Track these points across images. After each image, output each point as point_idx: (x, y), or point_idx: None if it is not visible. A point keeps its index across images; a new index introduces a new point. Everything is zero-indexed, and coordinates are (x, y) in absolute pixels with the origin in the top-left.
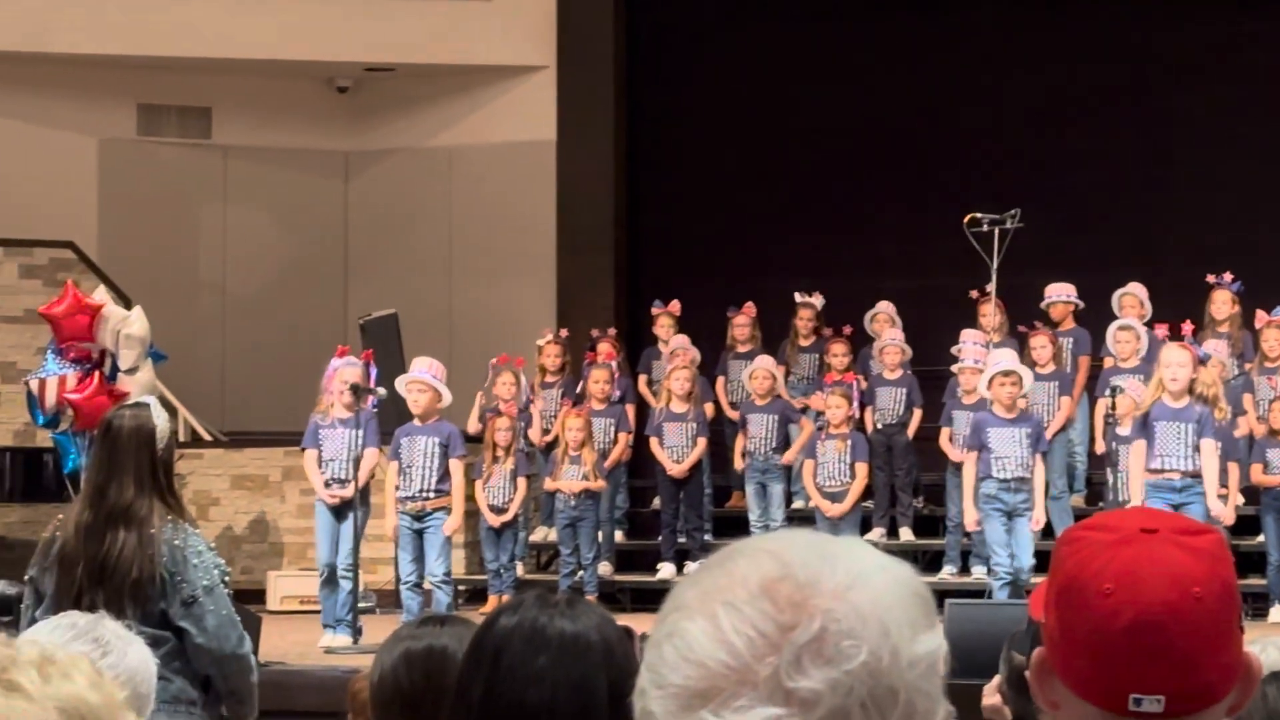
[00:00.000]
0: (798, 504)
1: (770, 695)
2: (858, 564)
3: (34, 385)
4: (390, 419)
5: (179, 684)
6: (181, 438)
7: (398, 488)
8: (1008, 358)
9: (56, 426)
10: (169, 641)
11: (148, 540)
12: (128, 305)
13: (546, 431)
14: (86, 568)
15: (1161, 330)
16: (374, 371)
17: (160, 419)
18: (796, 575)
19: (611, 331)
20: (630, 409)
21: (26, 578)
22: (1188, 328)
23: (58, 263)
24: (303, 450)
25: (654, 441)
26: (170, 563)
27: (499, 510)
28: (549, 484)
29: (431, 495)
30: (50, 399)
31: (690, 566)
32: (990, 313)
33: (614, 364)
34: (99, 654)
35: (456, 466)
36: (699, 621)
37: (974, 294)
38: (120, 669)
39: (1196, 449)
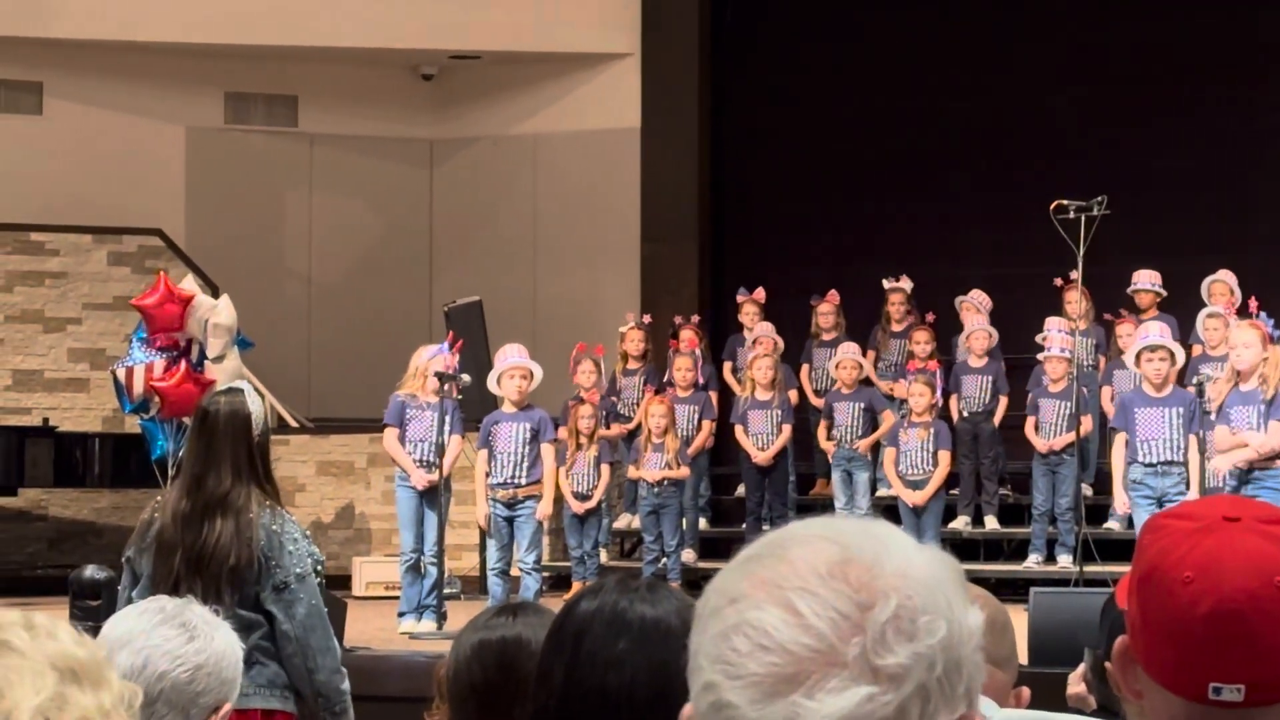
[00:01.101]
0: (881, 491)
1: (860, 674)
2: (901, 543)
3: (120, 373)
4: (474, 406)
5: (274, 668)
6: (271, 424)
7: (488, 475)
8: (1156, 331)
9: (144, 413)
10: (263, 626)
11: (245, 526)
12: (214, 293)
13: (629, 419)
14: (184, 557)
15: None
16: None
17: (254, 404)
18: (859, 557)
19: (695, 318)
20: (714, 396)
21: (124, 558)
22: (1254, 304)
23: (146, 250)
24: (385, 427)
25: (738, 429)
26: (267, 547)
27: (583, 497)
28: (632, 471)
29: (523, 482)
30: (137, 386)
31: (738, 554)
32: (1075, 300)
33: (697, 351)
34: (185, 639)
35: (548, 451)
36: (772, 610)
37: (1059, 282)
38: (207, 654)
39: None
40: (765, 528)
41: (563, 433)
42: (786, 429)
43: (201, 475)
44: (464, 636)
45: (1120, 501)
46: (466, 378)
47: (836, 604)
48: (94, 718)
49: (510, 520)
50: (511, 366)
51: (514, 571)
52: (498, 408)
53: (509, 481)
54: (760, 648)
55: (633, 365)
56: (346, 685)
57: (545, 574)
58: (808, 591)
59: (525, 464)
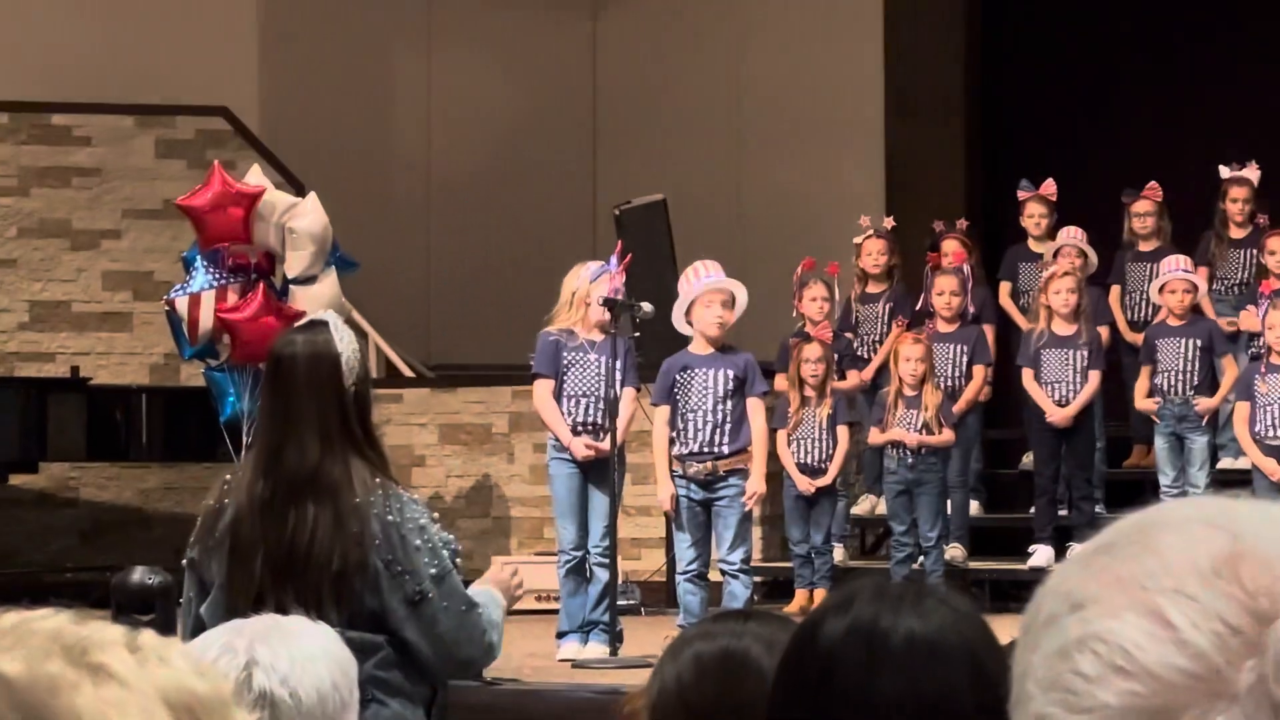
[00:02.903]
0: (1225, 462)
1: (1257, 710)
2: None
3: (180, 304)
4: (656, 345)
5: (395, 707)
6: (375, 374)
7: (673, 442)
8: None
9: (210, 359)
10: (381, 649)
11: (349, 514)
12: (299, 192)
13: (866, 361)
14: (268, 559)
15: None
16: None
17: (346, 342)
18: (1256, 550)
19: (961, 224)
20: (989, 331)
21: (185, 559)
22: None
23: (207, 136)
24: (535, 377)
25: (1027, 375)
26: (385, 547)
27: (811, 471)
28: (876, 436)
29: (724, 452)
30: (204, 321)
31: (1075, 549)
32: None
33: (965, 268)
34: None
35: (757, 408)
36: (1132, 619)
37: None
38: (299, 691)
39: None
40: (1062, 513)
41: (780, 383)
42: (1095, 377)
43: (278, 445)
44: (676, 649)
45: None
46: (647, 306)
47: (1225, 613)
48: None
49: (706, 505)
50: (708, 290)
51: (714, 575)
52: (685, 348)
53: (704, 451)
54: (1116, 670)
55: (874, 289)
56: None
57: (758, 578)
58: (1184, 595)
59: (726, 426)
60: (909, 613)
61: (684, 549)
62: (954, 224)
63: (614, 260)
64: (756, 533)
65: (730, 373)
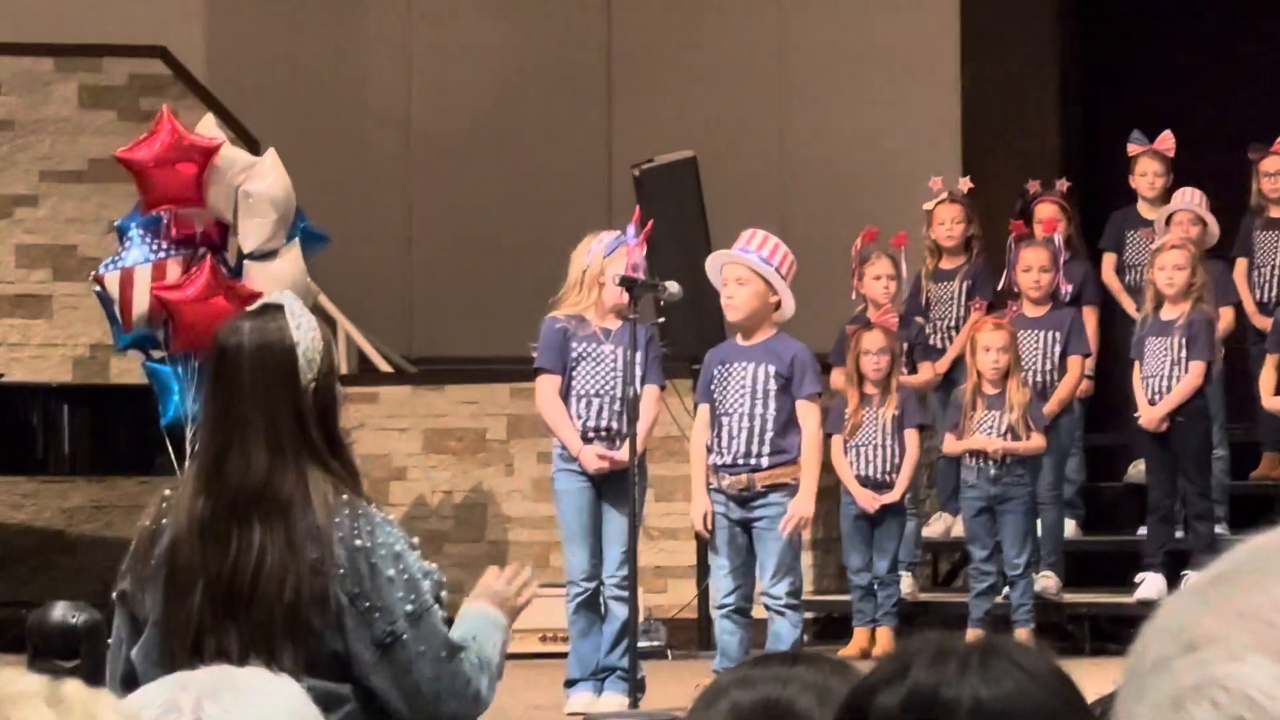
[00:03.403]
0: None
1: None
2: None
3: (110, 280)
4: (685, 333)
5: None
6: (345, 369)
7: (710, 450)
8: None
9: (148, 348)
10: (346, 702)
11: (305, 537)
12: (253, 150)
13: (940, 351)
14: (208, 591)
15: None
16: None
17: (303, 329)
18: None
19: (1061, 184)
20: (1089, 314)
21: (115, 592)
22: None
23: (142, 82)
24: (538, 372)
25: (1136, 369)
26: (351, 577)
27: (874, 485)
28: (951, 444)
29: (762, 464)
30: (139, 302)
31: (1190, 578)
32: None
33: (1057, 238)
34: None
35: (806, 413)
36: (1257, 661)
37: None
38: None
39: None
40: (1178, 535)
41: (837, 378)
42: (1196, 369)
43: (221, 453)
44: (710, 698)
45: None
46: (673, 287)
47: None
48: None
49: (747, 526)
50: (725, 264)
51: (757, 611)
52: (727, 337)
53: (738, 462)
54: None
55: (948, 264)
56: (484, 684)
57: (808, 614)
58: None
59: (766, 434)
60: (975, 678)
61: (721, 577)
62: (1050, 184)
63: (631, 230)
64: (807, 559)
65: (772, 369)
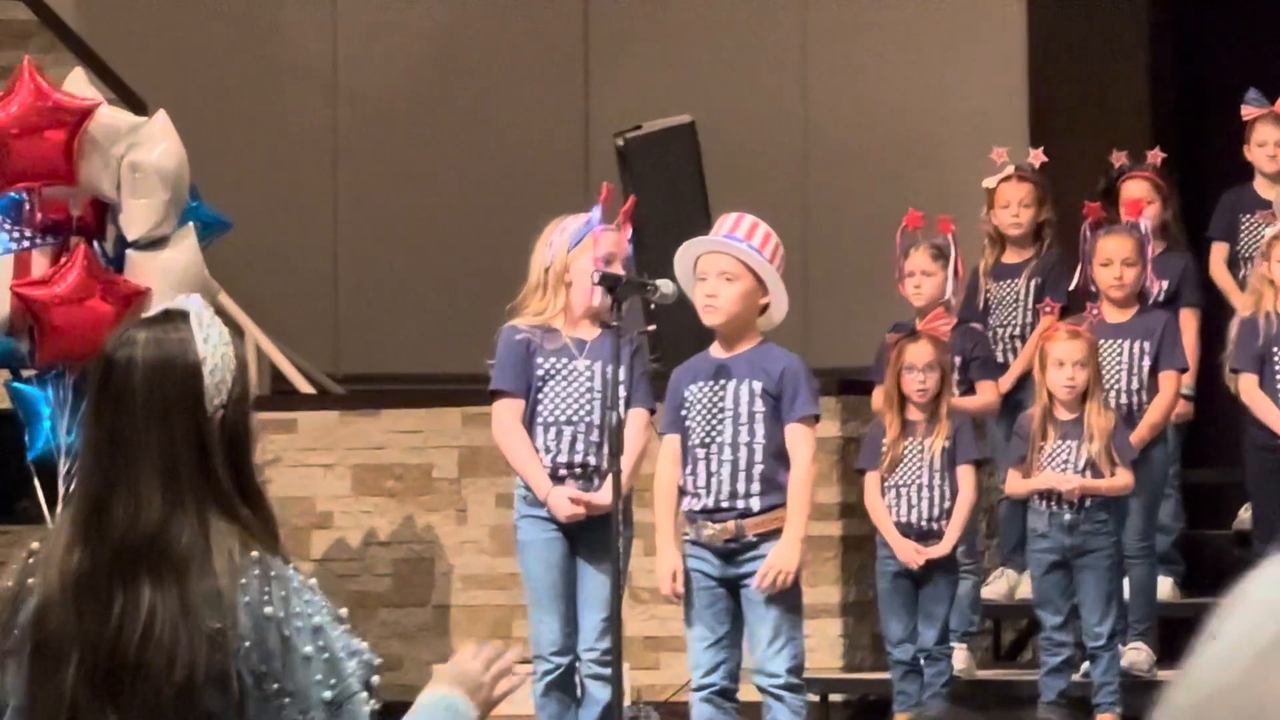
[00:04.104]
0: None
1: None
2: None
3: None
4: (678, 344)
5: None
6: (257, 390)
7: (683, 492)
8: None
9: (16, 365)
10: None
11: (204, 601)
12: (139, 111)
13: (1002, 366)
14: (84, 665)
15: None
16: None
17: (212, 342)
18: None
19: (1154, 156)
20: (1189, 319)
21: None
22: None
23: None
24: (495, 395)
25: (1248, 383)
26: (258, 652)
27: (920, 535)
28: (1017, 482)
29: (755, 504)
30: None
31: None
32: None
33: (1144, 223)
34: None
35: (797, 439)
36: None
37: None
38: None
39: None
40: None
41: (875, 399)
42: None
43: (103, 497)
44: None
45: None
46: (666, 286)
47: None
48: None
49: (734, 586)
50: (705, 254)
51: (745, 692)
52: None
53: (726, 505)
54: None
55: (1013, 257)
56: None
57: (836, 696)
58: None
59: (755, 468)
60: None
61: (699, 652)
62: (1142, 157)
63: (597, 213)
64: (834, 628)
65: (759, 386)
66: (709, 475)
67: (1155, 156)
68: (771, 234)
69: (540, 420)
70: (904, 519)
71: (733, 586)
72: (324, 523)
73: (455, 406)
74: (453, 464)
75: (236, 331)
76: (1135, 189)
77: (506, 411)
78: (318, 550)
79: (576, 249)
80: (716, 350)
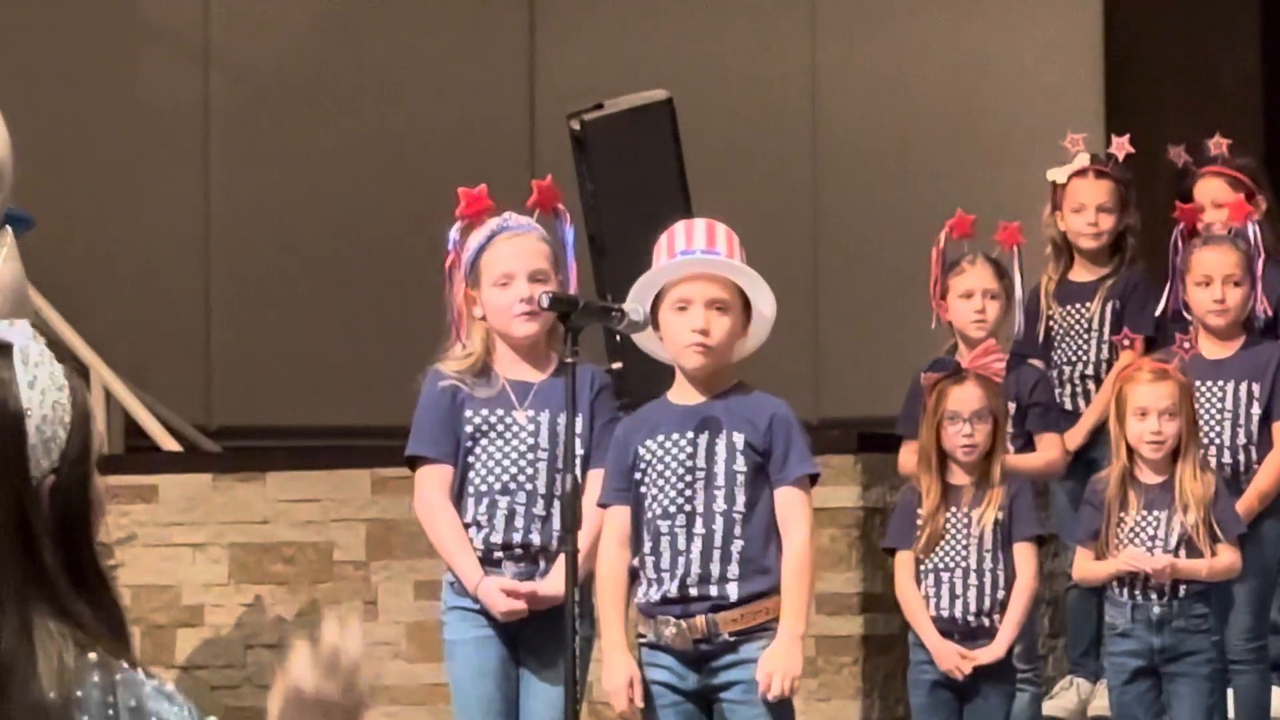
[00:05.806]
0: None
1: None
2: None
3: None
4: (655, 383)
5: None
6: (108, 446)
7: (638, 580)
8: None
9: None
10: None
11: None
12: None
13: (1070, 415)
14: None
15: None
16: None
17: (42, 385)
18: None
19: (1218, 144)
20: None
21: None
22: None
23: None
24: (413, 463)
25: None
26: None
27: (966, 633)
28: (1089, 565)
29: (733, 592)
30: None
31: None
32: None
33: (1254, 230)
34: None
35: (794, 506)
36: None
37: None
38: None
39: None
40: None
41: (906, 457)
42: None
43: None
44: None
45: None
46: (635, 312)
47: None
48: None
49: (707, 700)
50: (685, 279)
51: None
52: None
53: (697, 594)
54: None
55: (1084, 274)
56: None
57: None
58: None
59: (733, 545)
60: None
61: None
62: (1236, 160)
63: (514, 220)
64: None
65: (739, 438)
66: (675, 554)
67: (1220, 145)
68: (734, 234)
69: (471, 490)
70: (945, 613)
71: (705, 702)
72: (193, 619)
73: (363, 469)
74: (359, 543)
75: (79, 370)
76: (1213, 188)
77: (430, 482)
78: (184, 654)
79: (482, 264)
80: (680, 395)
